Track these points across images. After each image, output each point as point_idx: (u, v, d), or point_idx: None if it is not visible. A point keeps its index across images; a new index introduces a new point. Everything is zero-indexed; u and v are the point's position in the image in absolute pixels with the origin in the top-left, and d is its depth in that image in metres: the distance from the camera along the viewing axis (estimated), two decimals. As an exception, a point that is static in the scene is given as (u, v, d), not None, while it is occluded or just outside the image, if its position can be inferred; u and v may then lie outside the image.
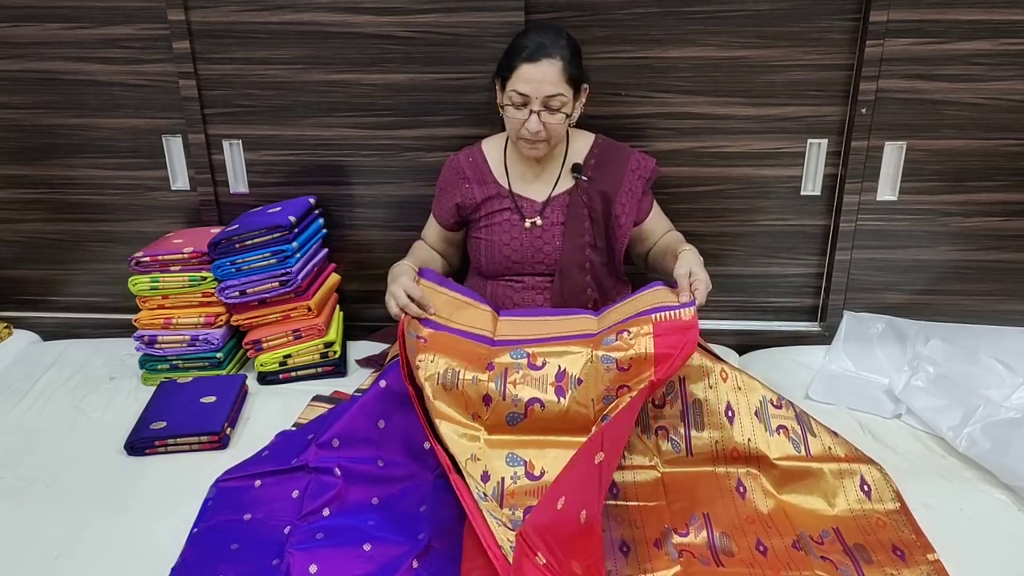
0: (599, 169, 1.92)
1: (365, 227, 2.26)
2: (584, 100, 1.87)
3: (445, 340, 1.65)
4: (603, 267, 1.94)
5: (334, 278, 2.20)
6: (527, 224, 1.91)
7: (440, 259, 2.05)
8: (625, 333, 1.59)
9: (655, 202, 2.00)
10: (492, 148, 1.98)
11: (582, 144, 1.96)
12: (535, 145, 1.83)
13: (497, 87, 1.85)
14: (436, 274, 1.87)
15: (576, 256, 1.90)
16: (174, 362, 2.01)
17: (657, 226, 1.99)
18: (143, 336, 2.00)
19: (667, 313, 1.61)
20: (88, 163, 2.23)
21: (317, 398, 1.91)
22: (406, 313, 1.69)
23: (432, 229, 2.04)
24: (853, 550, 1.43)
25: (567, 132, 1.93)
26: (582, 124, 1.98)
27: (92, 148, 2.22)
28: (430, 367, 1.58)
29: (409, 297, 1.70)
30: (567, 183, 1.92)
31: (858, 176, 2.12)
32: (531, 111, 1.77)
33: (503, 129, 1.97)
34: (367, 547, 1.42)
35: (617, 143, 1.98)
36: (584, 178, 1.90)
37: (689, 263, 1.71)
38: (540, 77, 1.74)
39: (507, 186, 1.93)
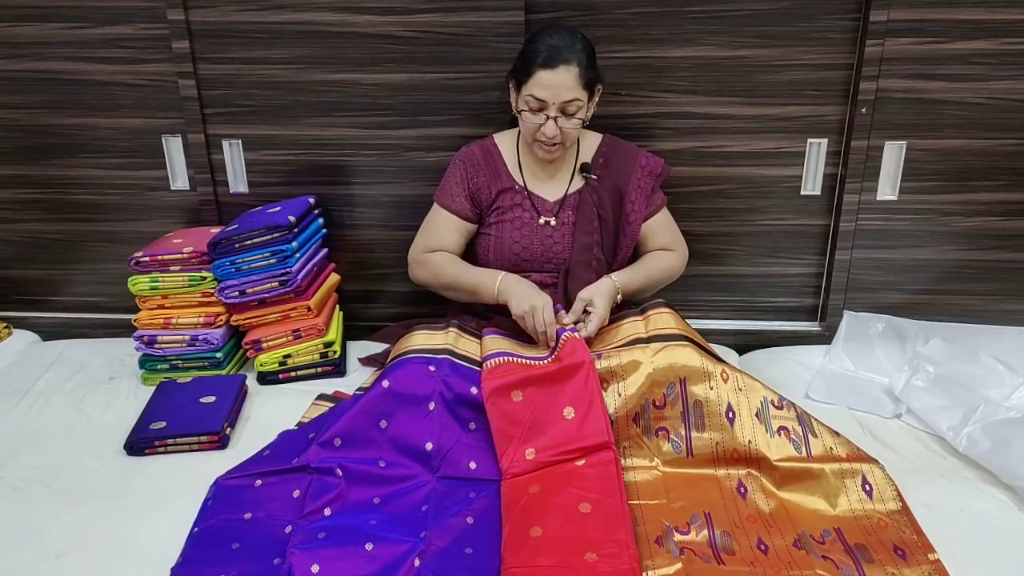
0: (607, 167, 1.93)
1: (365, 227, 2.26)
2: (597, 99, 1.87)
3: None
4: (607, 266, 1.94)
5: (334, 278, 2.20)
6: (542, 221, 1.90)
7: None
8: None
9: (666, 209, 2.01)
10: (506, 143, 1.97)
11: (590, 143, 1.96)
12: (551, 150, 1.83)
13: (512, 88, 1.85)
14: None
15: (584, 255, 1.90)
16: (174, 362, 2.01)
17: (658, 230, 1.99)
18: (143, 336, 2.00)
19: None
20: (88, 163, 2.23)
21: (321, 397, 1.91)
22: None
23: (449, 227, 1.94)
24: (854, 550, 1.43)
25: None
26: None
27: (92, 148, 2.21)
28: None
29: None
30: (578, 183, 1.92)
31: (858, 176, 2.12)
32: (548, 116, 1.77)
33: (509, 127, 1.97)
34: (369, 546, 1.41)
35: (623, 142, 1.98)
36: (593, 177, 1.91)
37: (593, 293, 1.79)
38: (558, 83, 1.74)
39: (522, 183, 1.93)
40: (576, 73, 1.75)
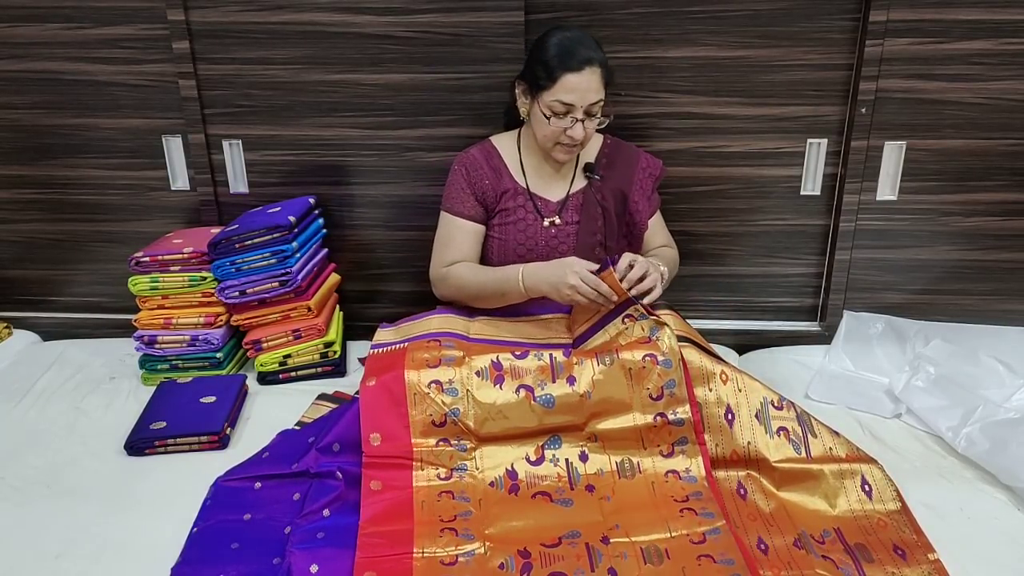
0: (610, 168, 1.93)
1: (365, 227, 2.26)
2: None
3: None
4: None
5: (334, 278, 2.20)
6: (546, 223, 1.90)
7: None
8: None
9: (659, 210, 2.01)
10: (505, 145, 1.94)
11: (593, 144, 1.95)
12: (572, 151, 1.83)
13: (522, 92, 1.82)
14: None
15: (587, 255, 1.89)
16: (174, 362, 2.01)
17: (656, 231, 2.00)
18: (143, 336, 2.00)
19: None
20: (88, 163, 2.23)
21: (322, 397, 1.92)
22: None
23: (464, 234, 1.88)
24: (854, 549, 1.43)
25: None
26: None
27: (92, 148, 2.21)
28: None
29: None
30: (581, 182, 1.92)
31: (858, 176, 2.12)
32: (575, 119, 1.76)
33: (505, 129, 1.97)
34: (367, 547, 1.42)
35: (624, 142, 1.98)
36: (597, 177, 1.90)
37: (635, 257, 1.68)
38: (585, 87, 1.73)
39: (524, 184, 1.93)
40: (600, 74, 1.74)
